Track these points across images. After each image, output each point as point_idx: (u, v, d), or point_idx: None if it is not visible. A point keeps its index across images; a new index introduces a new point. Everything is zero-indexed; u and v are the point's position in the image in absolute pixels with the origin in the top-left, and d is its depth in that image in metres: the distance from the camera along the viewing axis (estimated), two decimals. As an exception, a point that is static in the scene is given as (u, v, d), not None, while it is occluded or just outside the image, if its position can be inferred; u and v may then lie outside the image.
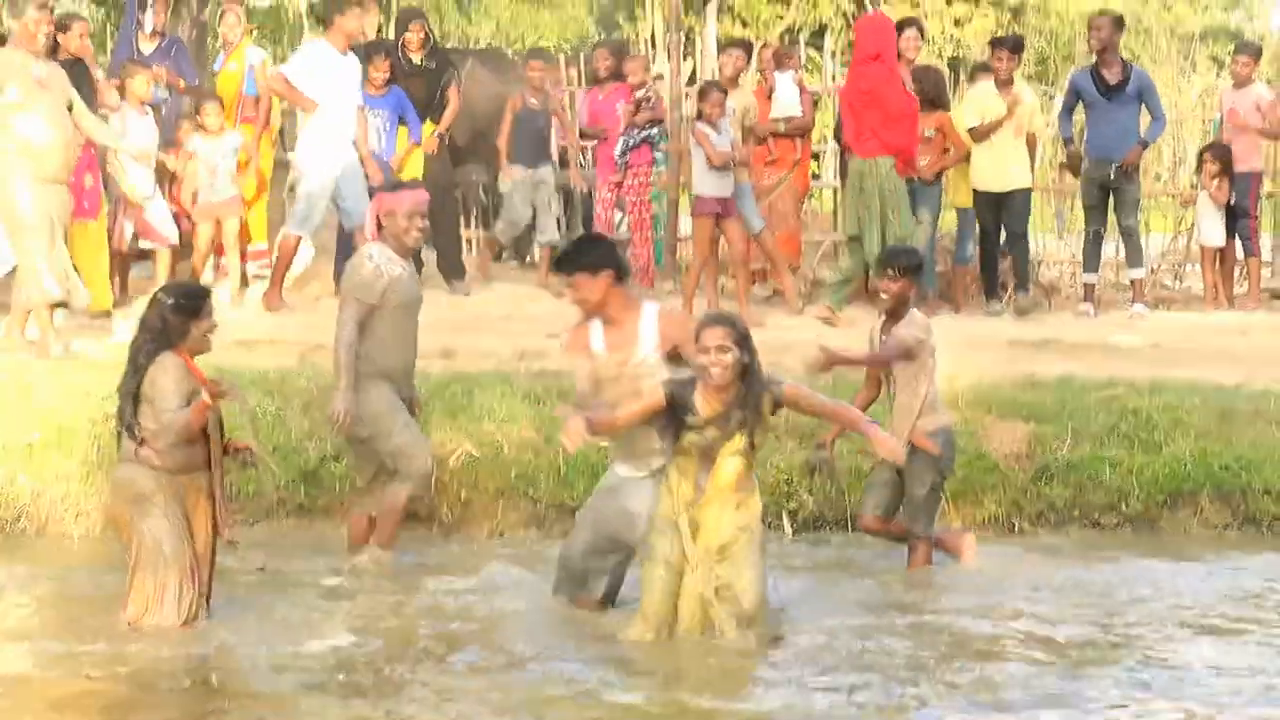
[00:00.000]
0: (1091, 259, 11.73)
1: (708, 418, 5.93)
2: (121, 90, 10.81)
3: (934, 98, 11.35)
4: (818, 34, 23.38)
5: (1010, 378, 9.13)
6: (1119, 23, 11.64)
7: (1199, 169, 12.22)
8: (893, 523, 7.27)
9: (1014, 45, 11.78)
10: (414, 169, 11.39)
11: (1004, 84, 11.37)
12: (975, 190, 11.47)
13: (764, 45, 13.56)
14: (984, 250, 11.64)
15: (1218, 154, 11.88)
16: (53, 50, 9.83)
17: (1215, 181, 11.79)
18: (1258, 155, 12.11)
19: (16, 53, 9.47)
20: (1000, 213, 11.44)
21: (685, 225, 12.30)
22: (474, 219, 13.28)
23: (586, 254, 6.41)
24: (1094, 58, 11.60)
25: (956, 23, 25.28)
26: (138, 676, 5.77)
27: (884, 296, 7.20)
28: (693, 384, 5.98)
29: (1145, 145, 11.64)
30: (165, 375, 6.11)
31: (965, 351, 9.27)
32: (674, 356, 6.29)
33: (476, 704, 5.55)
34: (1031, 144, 11.72)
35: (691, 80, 13.64)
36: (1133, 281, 11.86)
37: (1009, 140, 11.34)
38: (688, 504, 6.03)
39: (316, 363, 8.86)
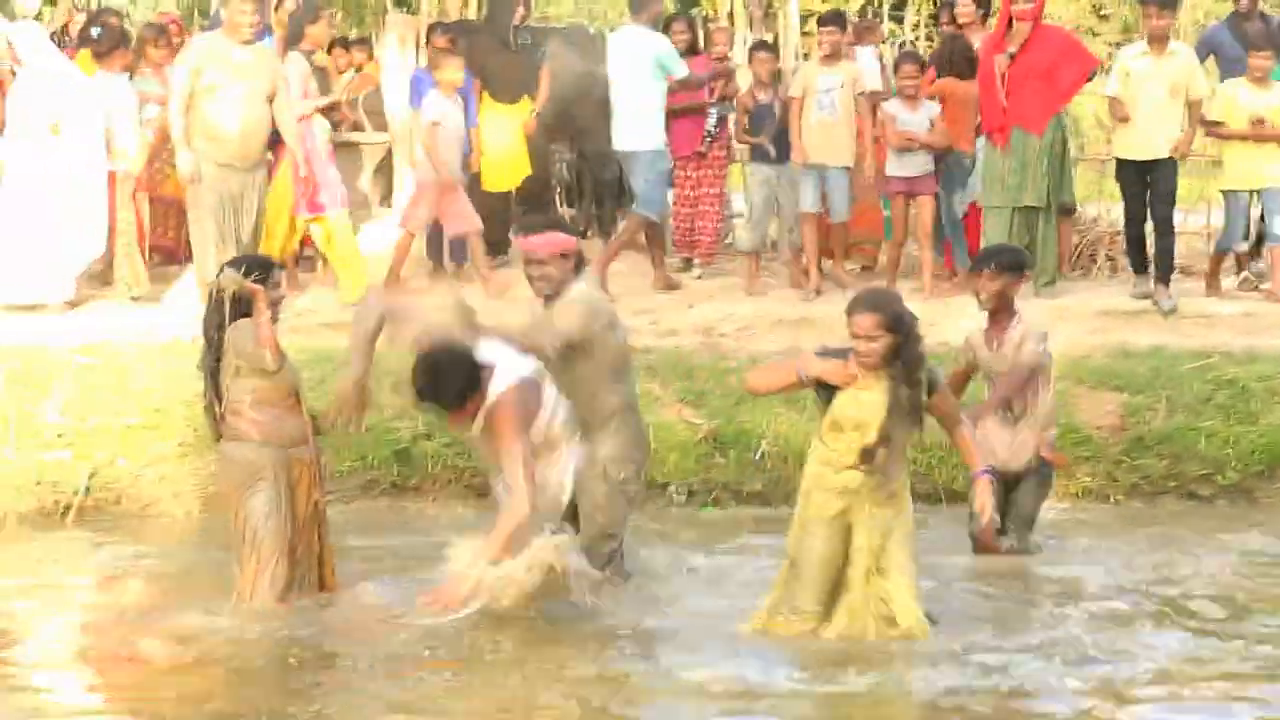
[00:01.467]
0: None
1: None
2: None
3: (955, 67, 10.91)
4: (898, 6, 23.26)
5: (1103, 348, 9.07)
6: None
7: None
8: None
9: (1167, 1, 10.46)
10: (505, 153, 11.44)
11: (1157, 42, 10.29)
12: (1119, 159, 10.52)
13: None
14: (1129, 223, 10.59)
15: None
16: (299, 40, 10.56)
17: None
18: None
19: (221, 38, 9.83)
20: (1147, 183, 10.34)
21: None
22: (559, 198, 13.30)
23: None
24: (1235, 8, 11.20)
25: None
26: (235, 655, 5.83)
27: (983, 297, 6.96)
28: (845, 355, 5.80)
29: None
30: (243, 336, 6.16)
31: (1054, 322, 9.18)
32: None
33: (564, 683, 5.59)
34: (1195, 109, 10.40)
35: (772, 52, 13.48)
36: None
37: (1163, 102, 10.24)
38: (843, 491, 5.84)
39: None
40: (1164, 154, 10.22)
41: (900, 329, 5.67)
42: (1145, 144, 10.26)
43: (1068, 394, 8.39)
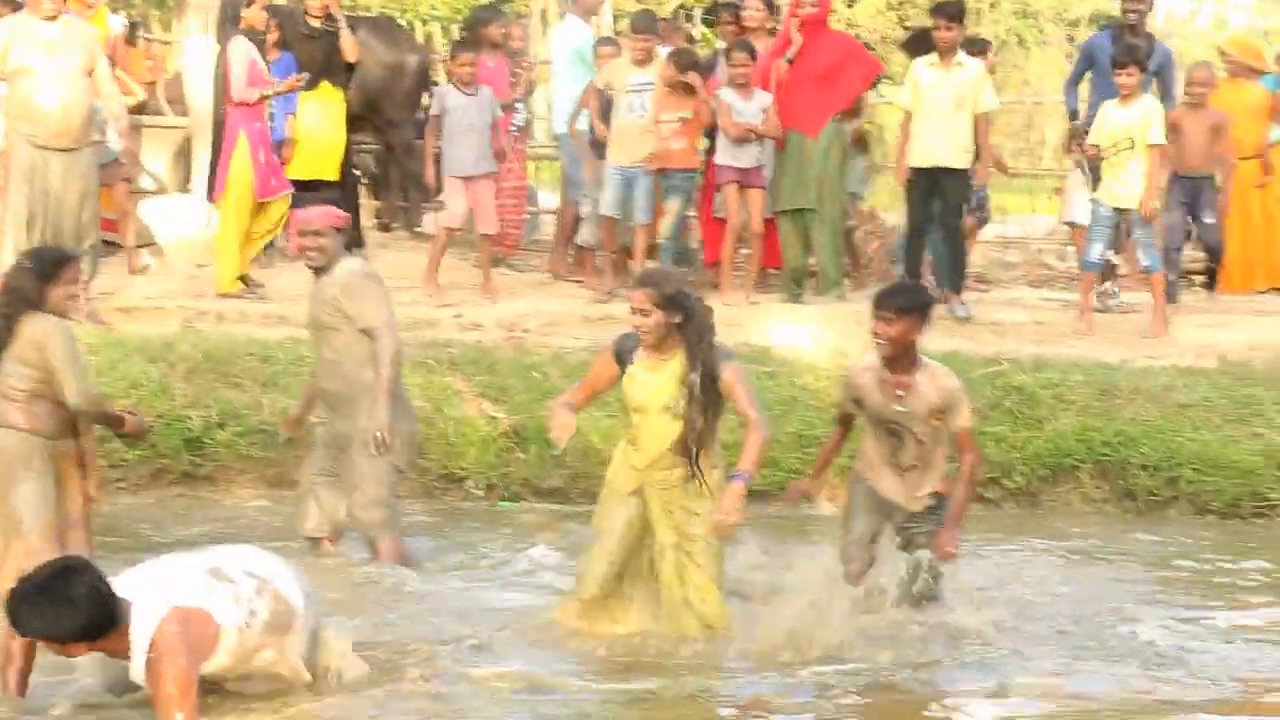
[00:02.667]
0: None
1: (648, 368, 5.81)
2: None
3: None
4: (710, 10, 23.41)
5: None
6: None
7: (1068, 149, 12.27)
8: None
9: (956, 13, 10.60)
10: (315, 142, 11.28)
11: (945, 54, 10.39)
12: (910, 167, 10.45)
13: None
14: (911, 233, 10.65)
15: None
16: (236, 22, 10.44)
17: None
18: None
19: (26, 17, 9.44)
20: (932, 192, 10.46)
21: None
22: (366, 190, 13.15)
23: None
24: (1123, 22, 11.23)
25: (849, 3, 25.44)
26: None
27: (881, 342, 6.05)
28: (636, 339, 5.87)
29: None
30: (53, 337, 6.01)
31: (851, 329, 9.35)
32: None
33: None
34: (982, 122, 10.47)
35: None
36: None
37: (950, 113, 10.34)
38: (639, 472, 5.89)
39: (201, 329, 8.78)
40: (951, 164, 10.33)
41: (674, 307, 5.72)
42: (932, 154, 10.35)
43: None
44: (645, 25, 11.13)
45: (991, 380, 8.85)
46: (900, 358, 6.02)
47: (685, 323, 5.75)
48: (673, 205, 10.66)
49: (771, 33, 11.10)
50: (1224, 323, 10.63)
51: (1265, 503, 8.20)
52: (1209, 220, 11.21)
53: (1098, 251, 10.29)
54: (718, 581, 5.92)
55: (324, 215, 6.71)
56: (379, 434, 6.48)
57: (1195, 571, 7.32)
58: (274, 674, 5.04)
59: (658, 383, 5.82)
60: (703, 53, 11.79)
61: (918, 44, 10.85)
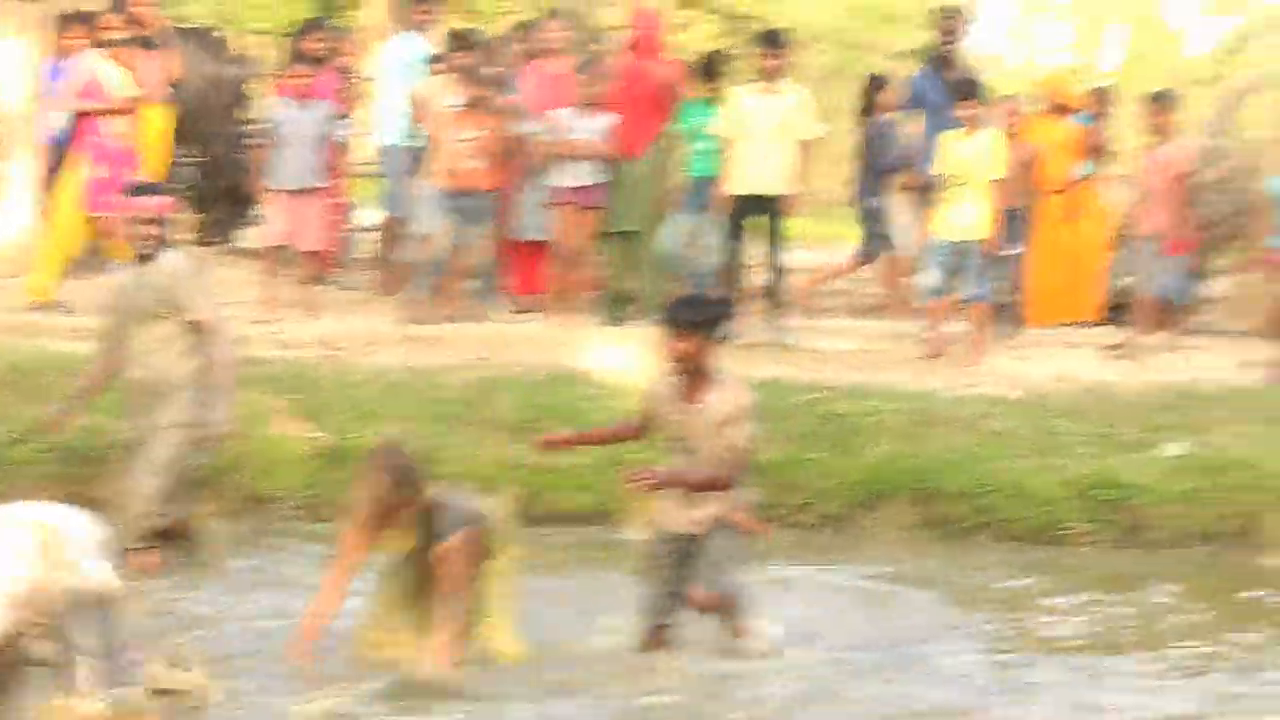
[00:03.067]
0: None
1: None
2: None
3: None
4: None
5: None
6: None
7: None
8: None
9: (779, 41, 10.75)
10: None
11: (768, 80, 10.53)
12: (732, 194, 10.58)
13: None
14: (726, 255, 10.74)
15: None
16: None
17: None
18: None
19: None
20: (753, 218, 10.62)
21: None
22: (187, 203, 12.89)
23: None
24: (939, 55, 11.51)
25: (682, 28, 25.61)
26: None
27: (671, 360, 5.84)
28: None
29: None
30: None
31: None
32: None
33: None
34: (805, 150, 10.64)
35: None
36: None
37: (772, 140, 10.47)
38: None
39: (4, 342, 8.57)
40: (774, 190, 10.49)
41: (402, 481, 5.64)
42: (754, 180, 10.48)
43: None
44: (462, 44, 11.14)
45: (811, 407, 8.95)
46: (693, 374, 5.82)
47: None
48: (469, 226, 10.68)
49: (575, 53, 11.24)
50: (1032, 355, 10.90)
51: (1065, 531, 8.39)
52: (1015, 252, 11.47)
53: (935, 279, 10.50)
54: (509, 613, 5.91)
55: (161, 204, 6.90)
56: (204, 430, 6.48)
57: (1002, 597, 7.47)
58: None
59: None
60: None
61: (708, 72, 10.92)
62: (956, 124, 10.46)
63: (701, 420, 5.83)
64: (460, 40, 11.12)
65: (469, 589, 5.73)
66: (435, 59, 11.11)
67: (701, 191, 10.65)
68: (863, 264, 12.24)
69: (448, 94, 10.66)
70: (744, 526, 6.00)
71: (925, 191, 10.89)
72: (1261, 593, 7.66)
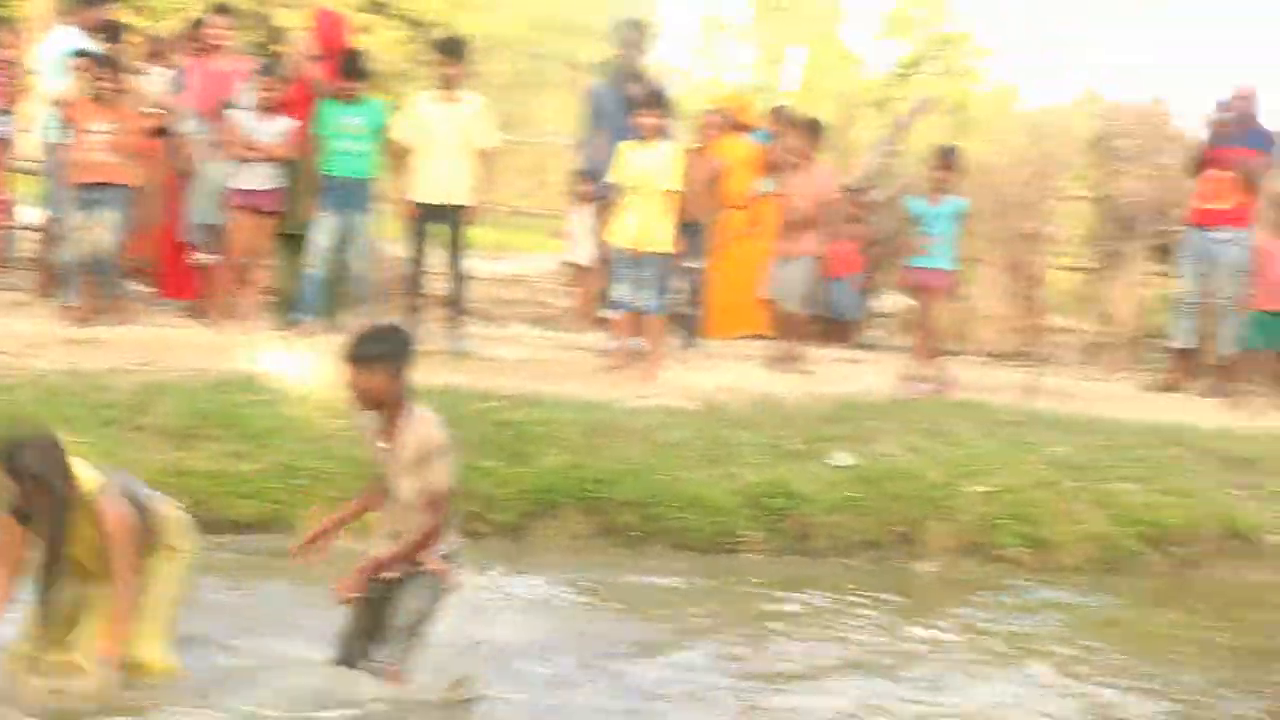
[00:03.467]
0: None
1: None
2: None
3: None
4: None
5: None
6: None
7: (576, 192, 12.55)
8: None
9: (456, 49, 10.65)
10: None
11: (446, 89, 10.46)
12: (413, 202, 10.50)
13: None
14: (409, 264, 10.62)
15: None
16: None
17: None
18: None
19: None
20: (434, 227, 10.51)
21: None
22: None
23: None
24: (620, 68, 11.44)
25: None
26: None
27: (356, 396, 5.47)
28: None
29: None
30: None
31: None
32: None
33: None
34: (484, 159, 10.55)
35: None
36: None
37: (453, 149, 10.39)
38: None
39: None
40: (454, 200, 10.42)
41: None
42: (435, 189, 10.41)
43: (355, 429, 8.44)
44: (104, 36, 10.84)
45: (485, 415, 8.88)
46: (383, 410, 5.46)
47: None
48: (103, 221, 10.32)
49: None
50: (708, 366, 11.06)
51: (737, 539, 8.51)
52: (696, 265, 11.63)
53: (620, 292, 10.54)
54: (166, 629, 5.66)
55: None
56: None
57: (674, 607, 7.52)
58: None
59: None
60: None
61: (348, 71, 10.74)
62: (636, 135, 10.54)
63: (396, 460, 5.49)
64: (101, 32, 10.78)
65: (138, 575, 5.44)
66: (80, 53, 10.69)
67: (345, 192, 10.50)
68: None
69: (85, 87, 10.34)
70: (440, 574, 5.62)
71: (602, 202, 10.94)
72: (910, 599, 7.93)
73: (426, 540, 5.52)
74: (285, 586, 6.92)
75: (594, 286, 12.21)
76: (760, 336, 12.17)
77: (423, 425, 5.46)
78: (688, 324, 11.54)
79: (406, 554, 5.54)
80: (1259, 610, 8.29)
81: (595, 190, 11.46)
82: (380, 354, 5.42)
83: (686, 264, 11.32)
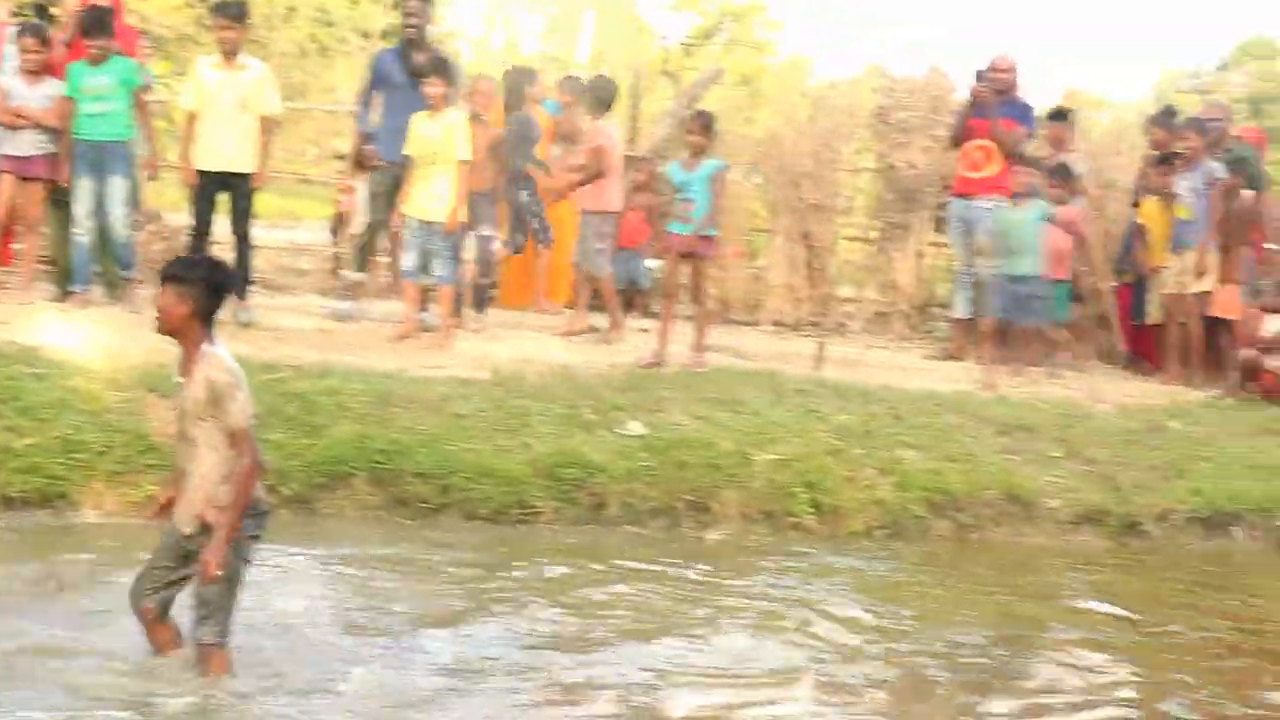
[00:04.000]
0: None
1: None
2: None
3: None
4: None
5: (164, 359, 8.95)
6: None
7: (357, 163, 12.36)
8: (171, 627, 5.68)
9: (237, 13, 10.37)
10: None
11: (227, 54, 10.26)
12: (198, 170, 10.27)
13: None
14: (195, 233, 10.38)
15: None
16: None
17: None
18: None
19: None
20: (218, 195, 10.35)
21: None
22: None
23: None
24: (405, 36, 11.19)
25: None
26: None
27: (159, 316, 5.46)
28: None
29: None
30: None
31: (132, 329, 9.03)
32: None
33: None
34: (267, 125, 10.39)
35: None
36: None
37: (234, 115, 10.23)
38: None
39: None
40: (237, 167, 10.23)
41: None
42: (218, 156, 10.23)
43: (138, 402, 8.24)
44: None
45: (272, 386, 8.73)
46: (178, 336, 5.43)
47: None
48: None
49: None
50: (500, 336, 11.02)
51: (530, 510, 8.50)
52: (487, 234, 11.56)
53: (411, 261, 10.44)
54: None
55: None
56: None
57: (467, 579, 7.48)
58: None
59: None
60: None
61: (87, 30, 10.33)
62: (419, 104, 10.45)
63: (186, 393, 5.44)
64: None
65: None
66: None
67: (97, 155, 10.20)
68: (512, 255, 12.12)
69: None
70: (239, 538, 5.50)
71: (380, 169, 10.82)
72: (707, 567, 8.00)
73: (248, 480, 5.46)
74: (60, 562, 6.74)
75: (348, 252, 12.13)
76: (561, 306, 12.20)
77: (212, 362, 5.43)
78: (483, 294, 11.47)
79: (238, 501, 5.45)
80: (1035, 572, 8.54)
81: (370, 156, 11.23)
82: (184, 277, 5.41)
83: (481, 234, 11.24)
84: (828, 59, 62.49)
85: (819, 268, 14.07)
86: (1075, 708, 6.26)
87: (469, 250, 11.04)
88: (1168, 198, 12.45)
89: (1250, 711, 6.34)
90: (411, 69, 10.95)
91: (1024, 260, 11.74)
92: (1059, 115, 13.04)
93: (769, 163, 14.24)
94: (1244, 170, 12.57)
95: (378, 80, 11.26)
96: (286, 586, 6.88)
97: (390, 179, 10.78)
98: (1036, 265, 11.76)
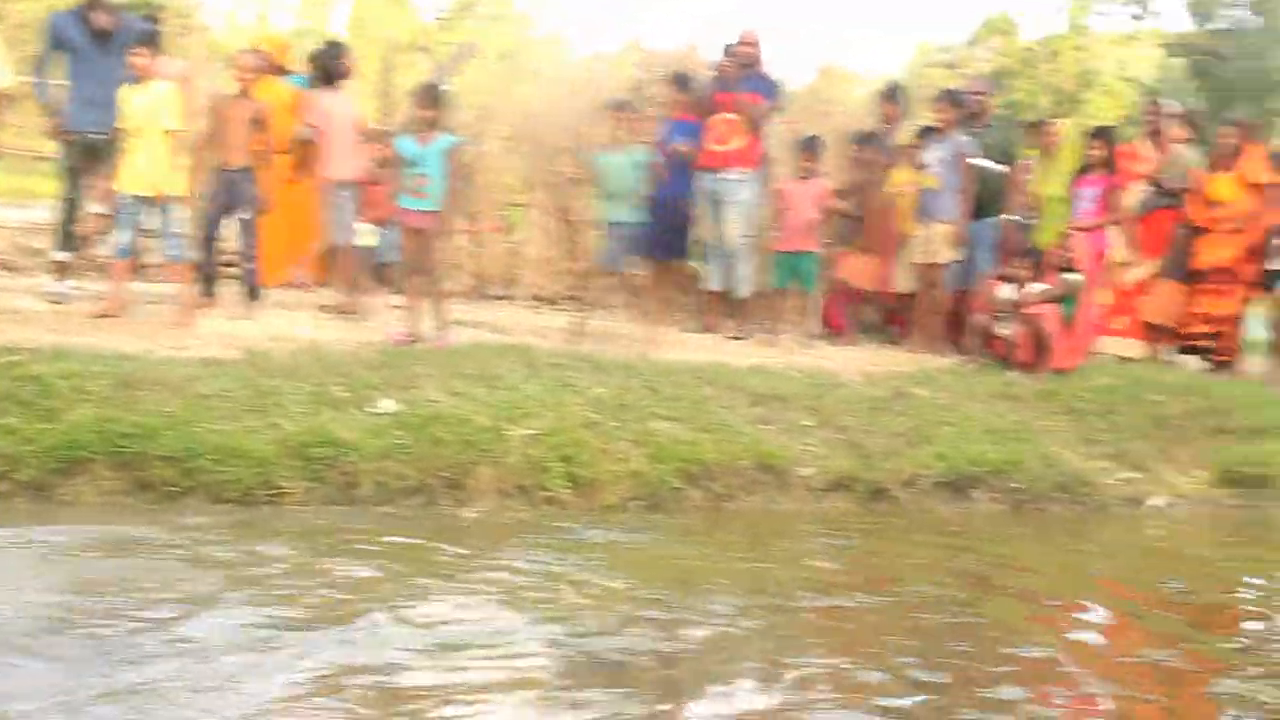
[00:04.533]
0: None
1: None
2: None
3: None
4: None
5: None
6: None
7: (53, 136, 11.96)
8: None
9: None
10: None
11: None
12: None
13: None
14: None
15: None
16: None
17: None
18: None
19: None
20: None
21: None
22: None
23: None
24: None
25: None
26: None
27: None
28: None
29: None
30: None
31: None
32: None
33: None
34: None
35: None
36: None
37: None
38: None
39: None
40: None
41: None
42: None
43: None
44: None
45: (6, 370, 8.41)
46: None
47: None
48: None
49: None
50: (254, 314, 10.79)
51: (278, 490, 8.34)
52: (246, 215, 11.29)
53: (125, 239, 10.13)
54: None
55: None
56: None
57: (216, 560, 7.29)
58: None
59: None
60: None
61: None
62: (106, 70, 10.23)
63: None
64: None
65: None
66: None
67: None
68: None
69: None
70: None
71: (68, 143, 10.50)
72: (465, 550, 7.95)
73: None
74: None
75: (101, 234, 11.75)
76: (321, 284, 12.01)
77: None
78: (247, 274, 11.20)
79: None
80: (787, 539, 8.67)
81: (55, 128, 10.75)
82: None
83: (240, 215, 10.98)
84: (590, 34, 62.63)
85: (575, 242, 14.07)
86: (826, 670, 6.36)
87: (193, 226, 10.70)
88: (917, 168, 12.75)
89: (991, 669, 6.52)
90: (94, 31, 10.53)
91: (621, 205, 11.74)
92: (890, 94, 13.41)
93: (525, 137, 14.19)
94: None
95: (56, 45, 10.76)
96: (16, 570, 6.64)
97: (79, 151, 10.39)
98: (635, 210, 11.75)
